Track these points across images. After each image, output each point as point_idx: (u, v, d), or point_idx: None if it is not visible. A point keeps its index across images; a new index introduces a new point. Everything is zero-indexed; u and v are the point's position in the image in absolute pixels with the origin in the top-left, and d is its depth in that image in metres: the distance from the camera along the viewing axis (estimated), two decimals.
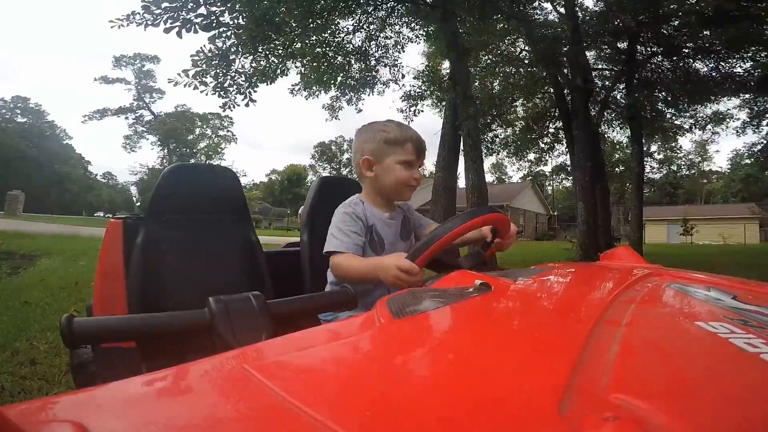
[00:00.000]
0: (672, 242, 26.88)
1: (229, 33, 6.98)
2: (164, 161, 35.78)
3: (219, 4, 6.44)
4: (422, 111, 10.28)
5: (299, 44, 8.37)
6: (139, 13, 6.14)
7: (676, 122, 12.54)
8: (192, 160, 32.79)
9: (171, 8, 6.04)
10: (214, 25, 6.56)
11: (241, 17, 6.74)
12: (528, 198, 33.51)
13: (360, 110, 10.26)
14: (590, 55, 10.68)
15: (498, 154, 13.76)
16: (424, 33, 9.72)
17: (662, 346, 0.45)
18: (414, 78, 10.51)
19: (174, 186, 1.30)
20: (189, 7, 6.13)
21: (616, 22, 9.27)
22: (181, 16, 6.14)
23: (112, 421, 0.32)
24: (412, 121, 9.95)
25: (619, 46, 10.43)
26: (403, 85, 10.27)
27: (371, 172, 1.22)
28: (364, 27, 9.28)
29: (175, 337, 0.63)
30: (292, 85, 9.69)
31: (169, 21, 6.12)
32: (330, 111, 10.45)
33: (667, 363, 0.40)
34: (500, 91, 11.75)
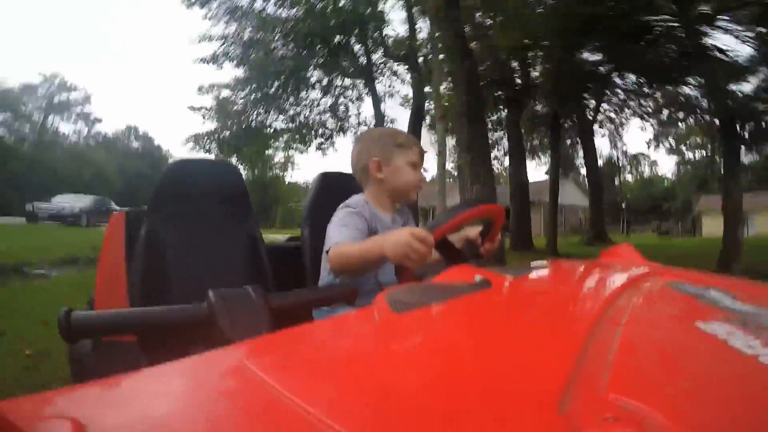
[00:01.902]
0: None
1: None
2: (247, 173, 40.63)
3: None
4: None
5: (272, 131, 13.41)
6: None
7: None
8: (270, 174, 34.94)
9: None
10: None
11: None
12: (568, 191, 29.71)
13: (336, 150, 14.25)
14: None
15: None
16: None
17: (662, 346, 0.44)
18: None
19: (176, 181, 1.30)
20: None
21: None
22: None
23: (110, 416, 0.32)
24: None
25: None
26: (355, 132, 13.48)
27: (381, 173, 1.23)
28: (332, 91, 13.08)
29: (175, 331, 0.63)
30: (286, 142, 14.14)
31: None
32: (321, 152, 13.89)
33: (667, 363, 0.40)
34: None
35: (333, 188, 1.41)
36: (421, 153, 1.28)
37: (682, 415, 0.29)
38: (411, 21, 11.46)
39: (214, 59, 11.55)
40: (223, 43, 11.54)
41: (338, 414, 0.29)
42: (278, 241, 1.95)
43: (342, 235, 1.11)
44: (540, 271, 0.83)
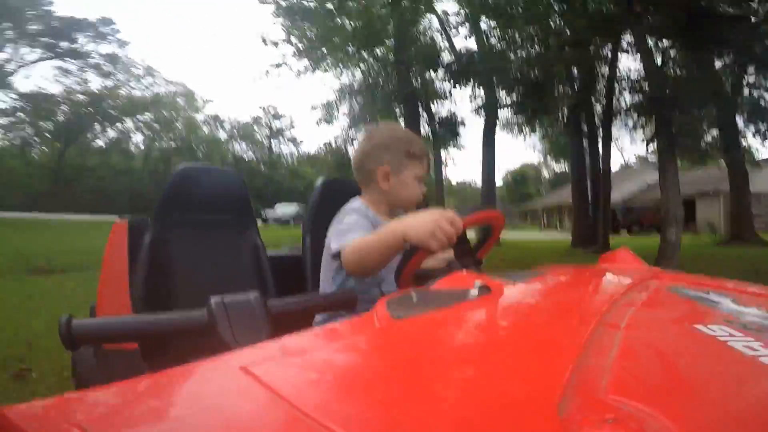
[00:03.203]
0: None
1: None
2: None
3: None
4: None
5: None
6: None
7: None
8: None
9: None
10: None
11: None
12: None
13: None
14: None
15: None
16: None
17: (661, 348, 0.44)
18: None
19: (182, 188, 1.30)
20: None
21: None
22: None
23: (112, 423, 0.32)
24: None
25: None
26: None
27: (387, 183, 1.17)
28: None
29: (176, 338, 0.63)
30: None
31: None
32: None
33: (667, 365, 0.40)
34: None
35: (335, 196, 1.38)
36: (429, 164, 1.21)
37: (683, 417, 0.29)
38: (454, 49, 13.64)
39: (325, 120, 16.16)
40: (326, 109, 15.86)
41: (338, 420, 0.29)
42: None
43: (355, 235, 1.02)
44: (539, 276, 0.83)
